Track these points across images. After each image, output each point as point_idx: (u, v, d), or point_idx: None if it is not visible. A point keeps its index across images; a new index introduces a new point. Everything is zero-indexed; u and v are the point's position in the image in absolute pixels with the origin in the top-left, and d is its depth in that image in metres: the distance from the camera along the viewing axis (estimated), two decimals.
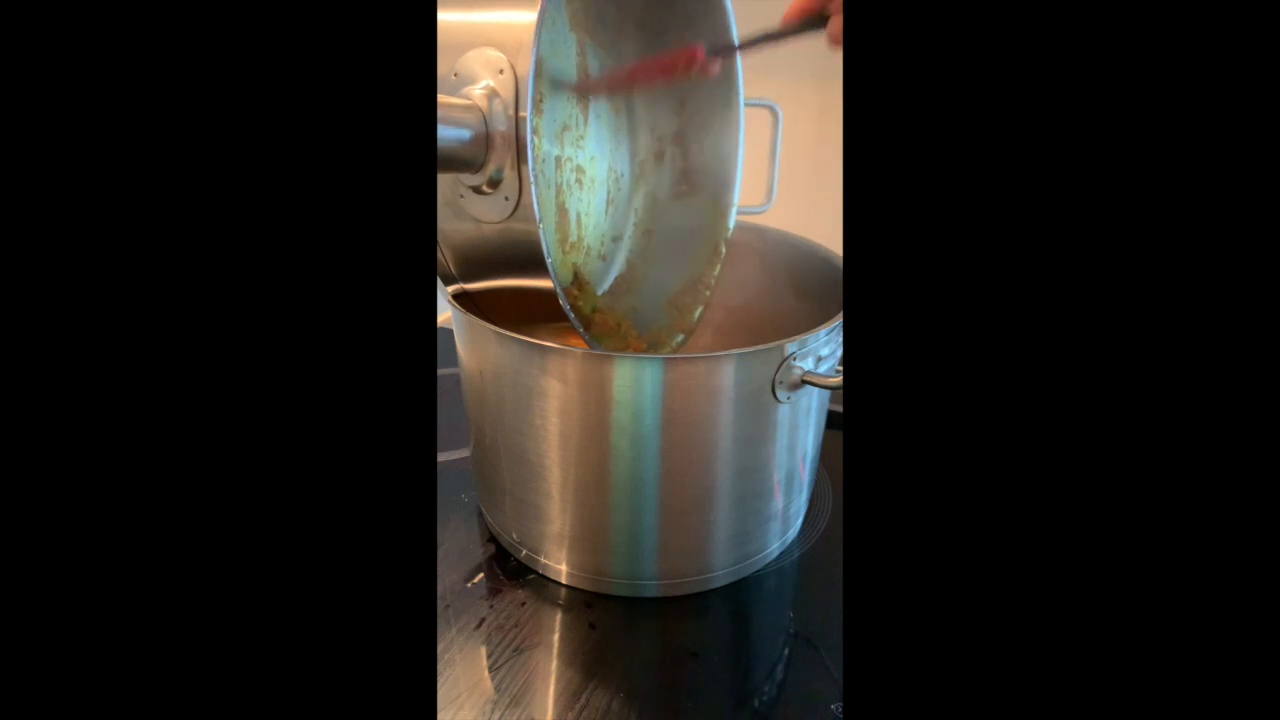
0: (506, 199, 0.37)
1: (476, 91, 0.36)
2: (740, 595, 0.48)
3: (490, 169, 0.36)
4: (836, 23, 0.36)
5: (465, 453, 0.59)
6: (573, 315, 0.41)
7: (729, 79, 0.53)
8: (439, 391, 0.67)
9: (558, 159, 0.51)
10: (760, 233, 0.59)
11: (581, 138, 0.53)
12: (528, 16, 0.35)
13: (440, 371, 0.71)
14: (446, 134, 0.35)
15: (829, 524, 0.54)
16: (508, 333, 0.41)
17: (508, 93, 0.35)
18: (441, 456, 0.61)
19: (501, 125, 0.36)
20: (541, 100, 0.48)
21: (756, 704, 0.40)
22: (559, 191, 0.51)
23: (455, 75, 0.37)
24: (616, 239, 0.58)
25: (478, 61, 0.36)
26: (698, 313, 0.57)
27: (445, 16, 0.38)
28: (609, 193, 0.56)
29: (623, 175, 0.57)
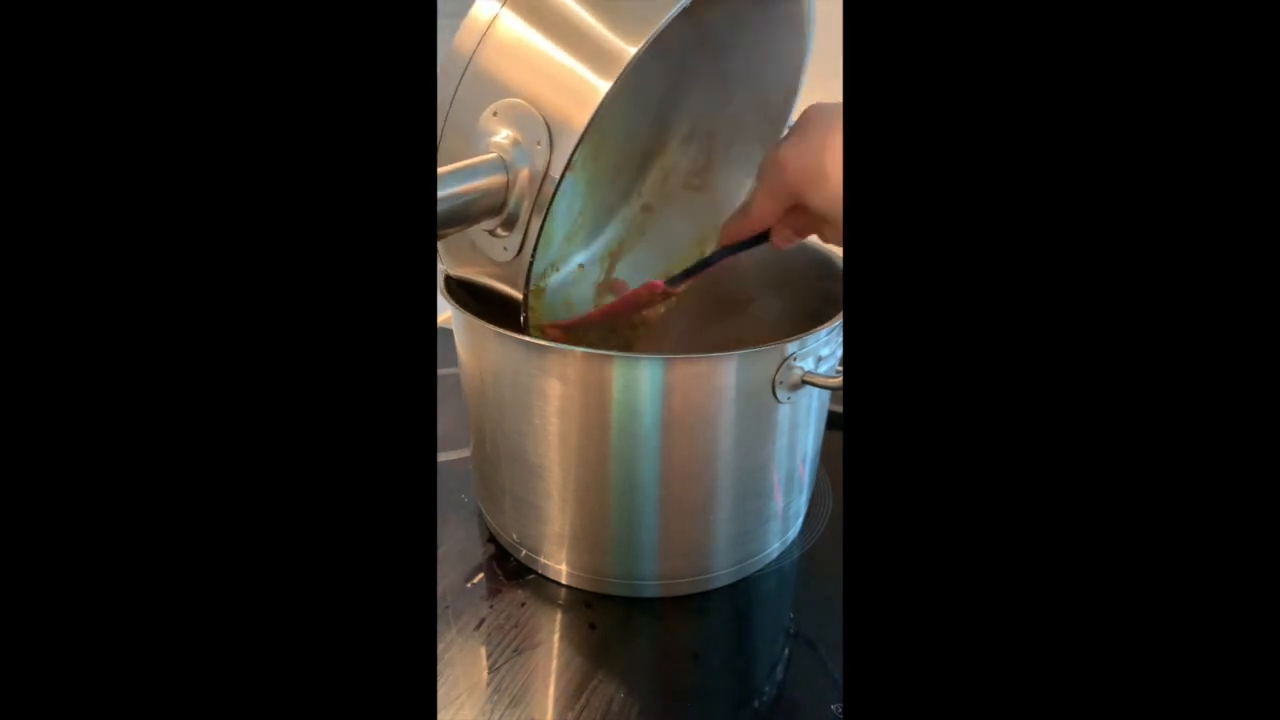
0: (505, 249, 0.38)
1: (502, 140, 0.36)
2: (740, 595, 0.48)
3: (505, 215, 0.37)
4: (779, 233, 0.43)
5: (465, 453, 0.59)
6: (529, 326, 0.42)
7: (786, 103, 0.51)
8: (439, 391, 0.67)
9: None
10: None
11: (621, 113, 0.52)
12: (599, 85, 0.34)
13: (440, 371, 0.71)
14: (471, 197, 0.35)
15: (829, 524, 0.54)
16: (508, 333, 0.41)
17: (539, 159, 0.35)
18: (441, 456, 0.61)
19: (523, 178, 0.35)
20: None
21: (756, 704, 0.40)
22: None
23: (495, 114, 0.36)
24: (614, 209, 0.57)
25: (520, 118, 0.35)
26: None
27: (522, 34, 0.36)
28: (621, 159, 0.55)
29: (649, 144, 0.56)
